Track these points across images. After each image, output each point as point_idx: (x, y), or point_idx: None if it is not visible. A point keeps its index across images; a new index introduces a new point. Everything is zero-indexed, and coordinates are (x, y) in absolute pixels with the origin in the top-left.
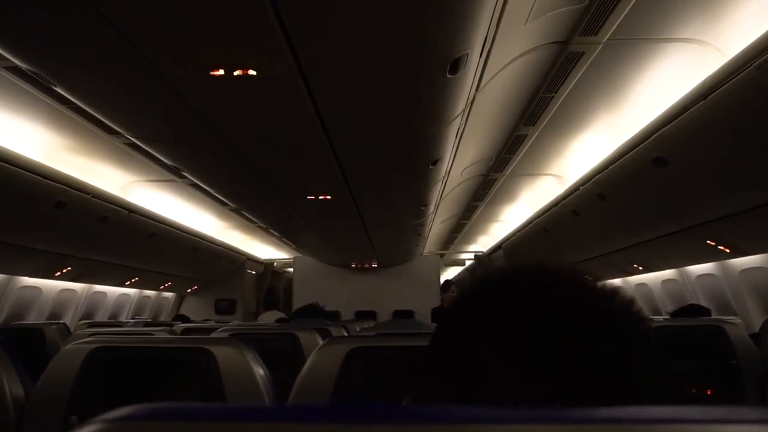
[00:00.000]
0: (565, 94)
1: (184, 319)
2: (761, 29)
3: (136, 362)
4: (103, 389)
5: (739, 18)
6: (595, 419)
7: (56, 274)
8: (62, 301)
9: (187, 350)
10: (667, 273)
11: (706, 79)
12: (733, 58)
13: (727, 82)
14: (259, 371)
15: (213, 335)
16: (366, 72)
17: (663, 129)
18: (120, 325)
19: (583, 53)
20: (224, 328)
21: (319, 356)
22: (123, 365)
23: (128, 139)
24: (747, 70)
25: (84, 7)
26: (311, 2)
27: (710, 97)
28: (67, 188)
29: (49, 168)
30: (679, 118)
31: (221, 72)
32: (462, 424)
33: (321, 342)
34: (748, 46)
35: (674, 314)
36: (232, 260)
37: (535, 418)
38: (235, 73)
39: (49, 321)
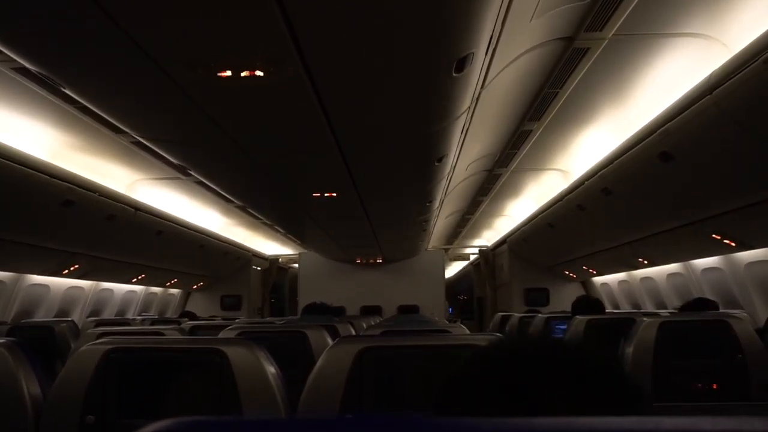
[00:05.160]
0: (570, 90)
1: (191, 315)
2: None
3: (150, 362)
4: (118, 389)
5: (745, 12)
6: (614, 430)
7: (64, 272)
8: (70, 298)
9: (200, 351)
10: (673, 267)
11: (711, 73)
12: (739, 52)
13: (733, 77)
14: (271, 370)
15: (222, 334)
16: (372, 72)
17: (668, 124)
18: (127, 322)
19: (588, 49)
20: (233, 326)
21: (330, 356)
22: (137, 365)
23: (134, 137)
24: (753, 64)
25: (93, 10)
26: (319, 3)
27: (716, 91)
28: (75, 187)
29: (57, 167)
30: (685, 113)
31: (228, 73)
32: None
33: (329, 339)
34: (755, 40)
35: (682, 308)
36: (238, 257)
37: (554, 429)
38: (243, 74)
39: (58, 318)
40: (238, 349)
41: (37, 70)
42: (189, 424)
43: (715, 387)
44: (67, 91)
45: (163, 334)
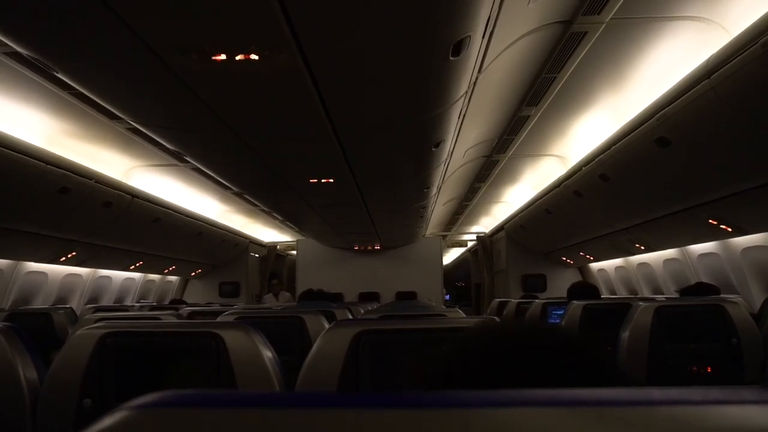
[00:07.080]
0: (567, 75)
1: (182, 303)
2: (767, 7)
3: (147, 347)
4: (115, 373)
5: None
6: (599, 401)
7: (62, 260)
8: (68, 285)
9: (196, 334)
10: (669, 252)
11: (710, 57)
12: (738, 36)
13: (732, 61)
14: (268, 354)
15: (219, 319)
16: (368, 56)
17: (666, 109)
18: (126, 309)
19: (586, 33)
20: (230, 311)
21: (326, 340)
22: (133, 350)
23: (130, 123)
24: (752, 48)
25: None
26: None
27: (714, 76)
28: (71, 174)
29: (52, 154)
30: (683, 97)
31: (223, 57)
32: (476, 408)
33: (326, 324)
34: (754, 23)
35: (682, 293)
36: (236, 244)
37: (542, 400)
38: (237, 57)
39: (56, 306)
40: (234, 332)
41: (28, 53)
42: (174, 397)
43: (709, 370)
44: (60, 76)
45: (159, 320)
